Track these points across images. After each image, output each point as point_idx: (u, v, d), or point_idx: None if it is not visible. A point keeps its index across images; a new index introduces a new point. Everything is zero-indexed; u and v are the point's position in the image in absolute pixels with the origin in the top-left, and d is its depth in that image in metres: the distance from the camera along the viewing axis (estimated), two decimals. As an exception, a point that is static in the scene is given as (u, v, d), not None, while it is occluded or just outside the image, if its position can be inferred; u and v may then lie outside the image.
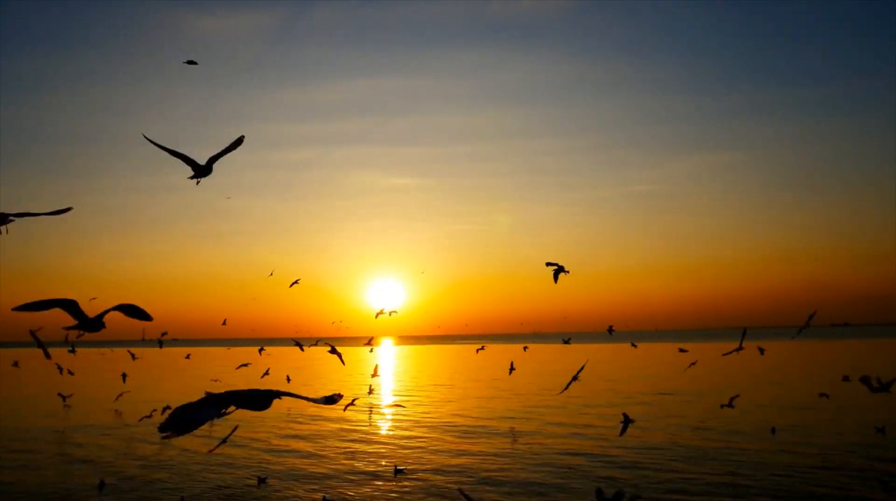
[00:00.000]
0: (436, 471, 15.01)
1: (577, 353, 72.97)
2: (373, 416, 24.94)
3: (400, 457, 16.65)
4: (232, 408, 2.94)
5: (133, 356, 28.49)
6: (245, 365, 26.13)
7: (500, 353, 78.52)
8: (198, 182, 5.17)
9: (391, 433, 21.00)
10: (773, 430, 18.32)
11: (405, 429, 21.57)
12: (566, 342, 24.10)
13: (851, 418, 20.89)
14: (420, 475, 14.67)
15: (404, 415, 25.27)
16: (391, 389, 37.91)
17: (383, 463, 15.95)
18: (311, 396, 3.48)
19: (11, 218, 4.00)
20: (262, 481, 13.76)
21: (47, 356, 6.39)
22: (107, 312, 4.19)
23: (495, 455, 16.56)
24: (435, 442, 18.76)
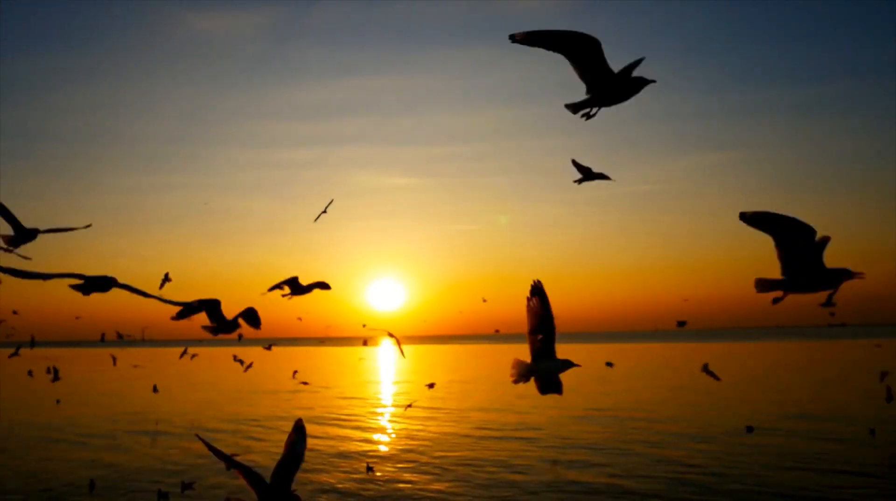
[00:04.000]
0: (412, 469, 15.13)
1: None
2: (352, 414, 25.10)
3: (376, 454, 16.82)
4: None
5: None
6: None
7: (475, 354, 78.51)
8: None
9: (371, 430, 21.16)
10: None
11: (384, 427, 21.74)
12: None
13: None
14: (393, 472, 14.80)
15: (385, 412, 25.42)
16: (382, 388, 37.97)
17: (357, 460, 16.07)
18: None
19: (40, 232, 4.44)
20: (186, 487, 12.74)
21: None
22: (238, 316, 5.05)
23: (478, 450, 16.63)
24: (414, 439, 18.88)
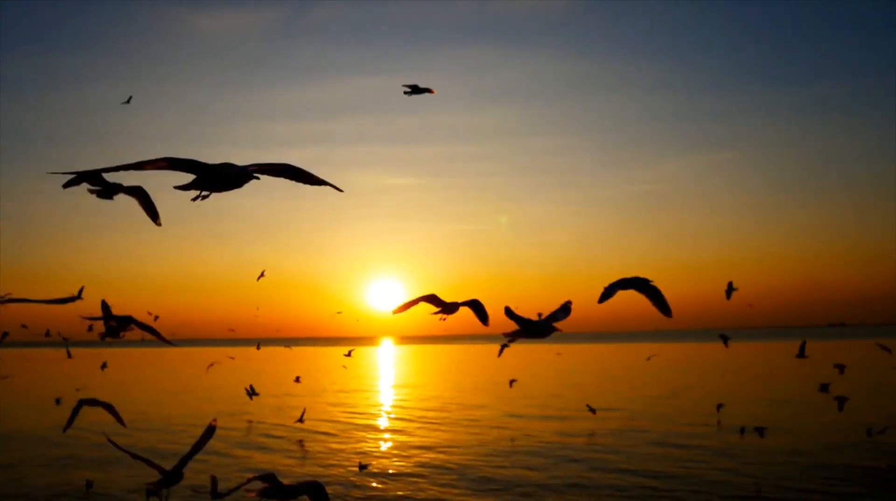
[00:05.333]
0: (400, 467, 15.23)
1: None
2: (341, 414, 25.22)
3: (365, 453, 16.87)
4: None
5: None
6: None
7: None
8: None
9: (358, 430, 21.26)
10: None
11: (371, 427, 21.89)
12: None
13: None
14: (384, 471, 14.89)
15: (373, 412, 25.66)
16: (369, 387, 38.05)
17: (347, 459, 16.16)
18: None
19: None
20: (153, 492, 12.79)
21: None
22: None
23: (465, 451, 16.68)
24: (403, 439, 19.00)
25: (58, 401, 26.62)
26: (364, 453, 17.06)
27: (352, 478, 14.15)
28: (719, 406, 20.98)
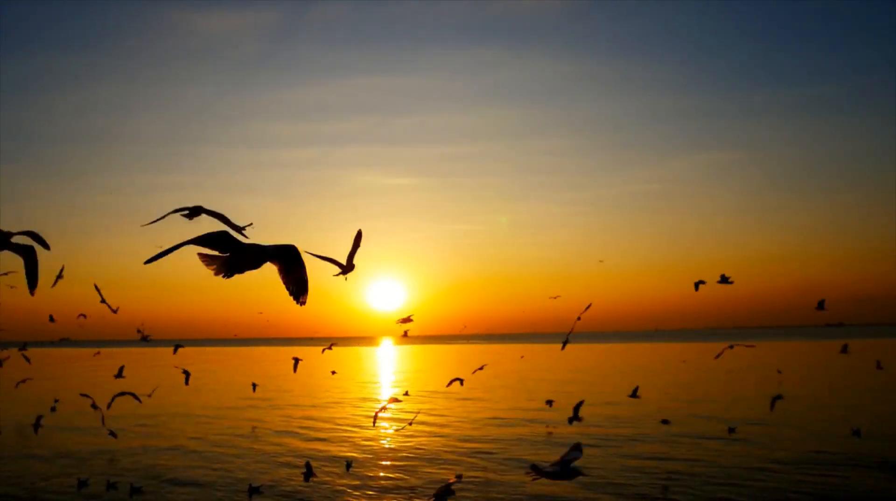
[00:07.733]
0: (392, 467, 15.43)
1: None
2: (332, 413, 25.46)
3: (357, 452, 17.10)
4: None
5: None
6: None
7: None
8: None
9: (351, 429, 21.49)
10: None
11: (365, 426, 22.06)
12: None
13: None
14: (372, 469, 15.08)
15: (366, 411, 25.94)
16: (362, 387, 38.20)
17: (336, 457, 16.40)
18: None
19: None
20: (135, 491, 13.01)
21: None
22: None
23: (457, 453, 16.88)
24: (395, 439, 19.21)
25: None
26: (356, 451, 17.24)
27: (340, 476, 14.31)
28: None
